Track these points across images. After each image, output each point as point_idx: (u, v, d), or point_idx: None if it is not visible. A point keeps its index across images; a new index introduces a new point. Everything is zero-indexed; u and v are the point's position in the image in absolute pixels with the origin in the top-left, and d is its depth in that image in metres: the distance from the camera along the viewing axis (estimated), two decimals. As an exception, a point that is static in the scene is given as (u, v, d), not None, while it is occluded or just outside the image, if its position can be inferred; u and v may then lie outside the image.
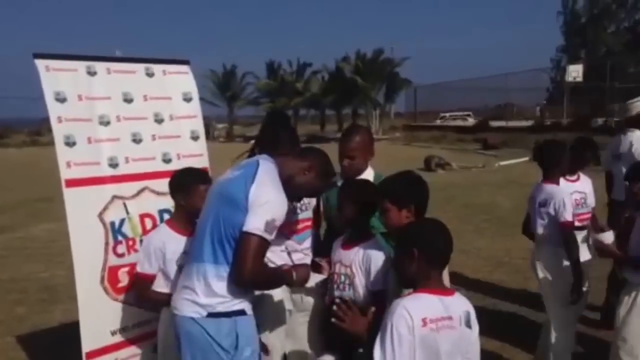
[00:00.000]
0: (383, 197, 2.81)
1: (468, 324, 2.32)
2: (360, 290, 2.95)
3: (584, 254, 4.24)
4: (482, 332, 2.42)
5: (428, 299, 2.26)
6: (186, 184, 3.18)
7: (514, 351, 4.95)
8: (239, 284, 2.62)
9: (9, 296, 7.03)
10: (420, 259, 2.28)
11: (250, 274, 2.55)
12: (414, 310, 2.19)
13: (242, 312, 2.71)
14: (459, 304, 2.34)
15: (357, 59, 48.24)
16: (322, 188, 3.07)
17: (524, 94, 41.49)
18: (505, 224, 9.87)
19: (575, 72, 32.49)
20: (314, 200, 3.52)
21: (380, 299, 2.83)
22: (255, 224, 2.55)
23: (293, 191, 2.82)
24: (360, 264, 2.96)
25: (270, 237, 2.60)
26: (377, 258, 2.93)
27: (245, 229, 2.55)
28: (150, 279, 3.19)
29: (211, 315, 2.66)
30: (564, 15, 48.94)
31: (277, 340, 3.38)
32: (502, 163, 21.52)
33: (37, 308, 6.44)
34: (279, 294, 3.29)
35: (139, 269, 3.22)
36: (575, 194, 4.59)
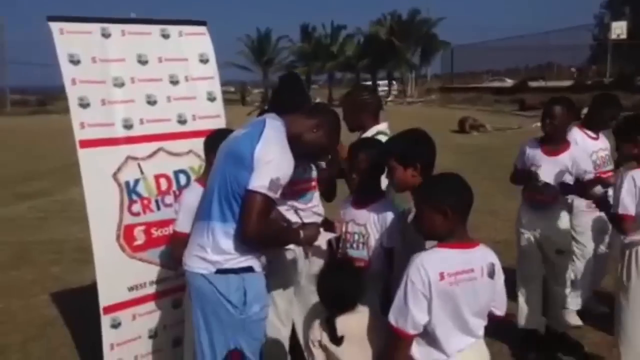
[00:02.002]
0: (388, 156, 2.80)
1: (491, 275, 2.36)
2: (374, 247, 2.98)
3: None
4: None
5: (447, 253, 2.32)
6: (217, 144, 3.07)
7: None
8: (244, 241, 2.64)
9: (45, 257, 7.30)
10: (451, 216, 2.31)
11: (254, 231, 2.57)
12: (431, 265, 2.26)
13: (250, 269, 2.74)
14: (482, 256, 2.39)
15: (392, 21, 47.42)
16: (331, 147, 3.05)
17: (565, 53, 40.27)
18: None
19: (619, 29, 31.39)
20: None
21: (392, 255, 2.91)
22: (259, 182, 2.56)
23: (301, 150, 2.81)
24: (375, 222, 2.97)
25: (275, 195, 2.61)
26: (391, 216, 2.94)
27: (250, 187, 2.57)
28: (188, 237, 3.14)
29: (220, 271, 2.70)
30: (608, -30, 47.09)
31: (287, 307, 3.43)
32: (539, 124, 21.06)
33: (71, 268, 6.66)
34: (290, 259, 3.30)
35: (177, 228, 3.21)
36: (599, 151, 4.51)
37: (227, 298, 2.70)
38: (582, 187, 4.06)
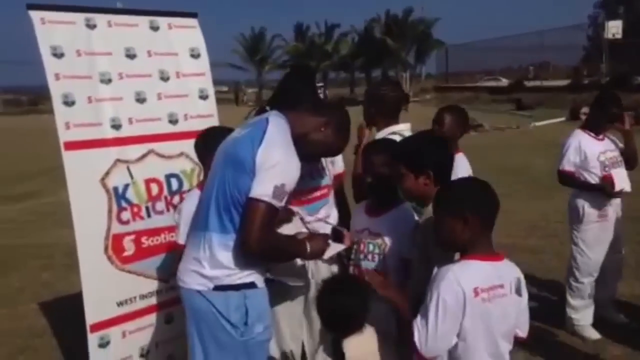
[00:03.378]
0: (397, 162, 2.52)
1: (518, 292, 2.16)
2: (391, 259, 2.71)
3: None
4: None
5: (479, 267, 2.09)
6: (216, 144, 2.76)
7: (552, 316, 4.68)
8: (245, 254, 2.39)
9: (36, 262, 7.03)
10: (473, 224, 2.07)
11: (257, 243, 2.31)
12: (465, 280, 2.04)
13: (252, 285, 2.47)
14: (510, 270, 2.18)
15: (386, 19, 47.41)
16: (340, 147, 2.76)
17: (560, 53, 40.16)
18: (540, 186, 9.49)
19: (614, 28, 31.23)
20: (334, 165, 3.23)
21: (409, 267, 2.63)
22: (262, 189, 2.30)
23: (307, 150, 2.54)
24: (394, 231, 2.71)
25: (279, 203, 2.35)
26: (411, 225, 2.66)
27: (251, 194, 2.31)
28: None
29: (218, 288, 2.43)
30: (601, -30, 47.06)
31: (295, 329, 3.16)
32: (537, 124, 20.96)
33: (62, 274, 6.36)
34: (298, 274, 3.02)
35: (179, 240, 2.94)
36: (607, 152, 4.34)
37: (226, 318, 2.43)
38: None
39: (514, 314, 2.16)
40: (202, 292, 2.44)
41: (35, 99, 50.15)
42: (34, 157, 16.92)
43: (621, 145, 4.41)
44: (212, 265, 2.42)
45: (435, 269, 2.23)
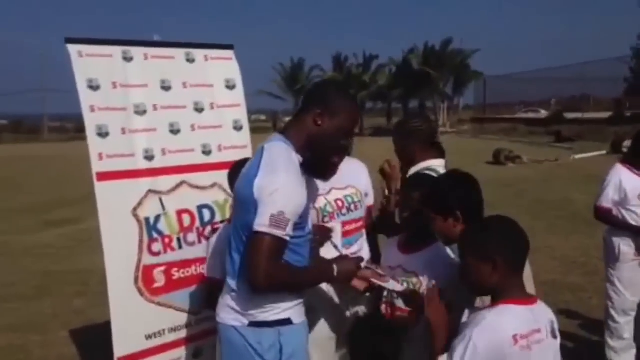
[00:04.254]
0: (425, 206, 2.44)
1: (554, 334, 2.05)
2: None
3: None
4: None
5: (517, 311, 1.97)
6: None
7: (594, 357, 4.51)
8: (256, 291, 2.29)
9: (70, 288, 7.07)
10: (502, 266, 1.97)
11: (263, 279, 2.21)
12: (503, 326, 1.93)
13: (287, 322, 2.39)
14: (544, 313, 2.07)
15: (425, 50, 47.42)
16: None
17: (602, 85, 39.46)
18: (581, 221, 9.22)
19: (658, 59, 30.58)
20: (368, 198, 3.14)
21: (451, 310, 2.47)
22: (259, 220, 2.20)
23: (318, 155, 2.39)
24: (429, 270, 2.58)
25: (280, 232, 2.21)
26: (447, 264, 2.56)
27: (253, 228, 2.23)
28: (218, 283, 2.80)
29: (253, 324, 2.36)
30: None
31: None
32: (577, 156, 20.48)
33: (95, 301, 6.32)
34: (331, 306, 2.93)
35: (207, 273, 2.92)
36: None
37: (260, 354, 2.35)
38: None
39: (551, 358, 2.04)
40: (237, 328, 2.38)
41: (80, 126, 51.31)
42: (75, 183, 17.23)
43: None
44: (246, 303, 2.36)
45: (467, 312, 2.14)
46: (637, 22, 47.65)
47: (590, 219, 4.57)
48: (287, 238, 2.26)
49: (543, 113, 39.98)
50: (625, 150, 13.02)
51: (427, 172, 3.02)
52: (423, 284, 2.58)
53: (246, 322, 2.37)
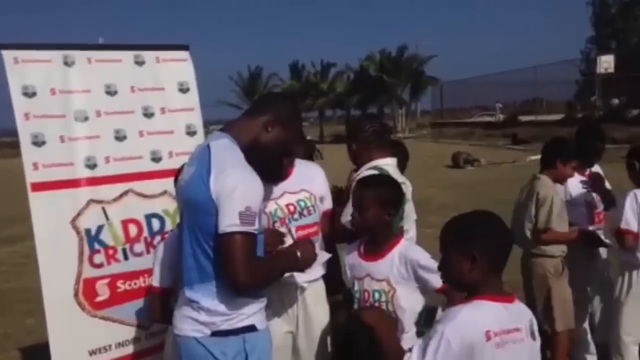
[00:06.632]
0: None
1: (533, 335, 2.01)
2: (405, 304, 2.51)
3: None
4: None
5: (490, 307, 1.94)
6: None
7: None
8: (239, 292, 2.24)
9: (22, 306, 6.82)
10: (483, 263, 1.92)
11: (247, 278, 2.16)
12: (475, 322, 1.89)
13: (252, 328, 2.32)
14: (524, 313, 2.02)
15: (381, 57, 47.91)
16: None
17: (554, 88, 40.47)
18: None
19: (606, 62, 31.47)
20: (325, 203, 3.05)
21: (435, 314, 2.46)
22: (228, 220, 2.15)
23: (264, 157, 2.38)
24: (403, 271, 2.52)
25: (251, 228, 2.18)
26: (421, 255, 2.51)
27: (220, 230, 2.16)
28: (167, 293, 2.77)
29: (215, 333, 2.27)
30: (592, 6, 47.84)
31: None
32: (534, 157, 20.83)
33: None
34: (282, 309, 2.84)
35: (153, 283, 2.82)
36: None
37: None
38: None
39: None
40: (199, 339, 2.28)
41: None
42: (26, 199, 16.76)
43: None
44: (208, 312, 2.27)
45: (440, 309, 2.08)
46: (585, 26, 49.06)
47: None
48: (257, 232, 2.23)
49: (500, 117, 40.73)
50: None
51: (375, 170, 3.01)
52: (396, 288, 2.51)
53: (208, 332, 2.28)
